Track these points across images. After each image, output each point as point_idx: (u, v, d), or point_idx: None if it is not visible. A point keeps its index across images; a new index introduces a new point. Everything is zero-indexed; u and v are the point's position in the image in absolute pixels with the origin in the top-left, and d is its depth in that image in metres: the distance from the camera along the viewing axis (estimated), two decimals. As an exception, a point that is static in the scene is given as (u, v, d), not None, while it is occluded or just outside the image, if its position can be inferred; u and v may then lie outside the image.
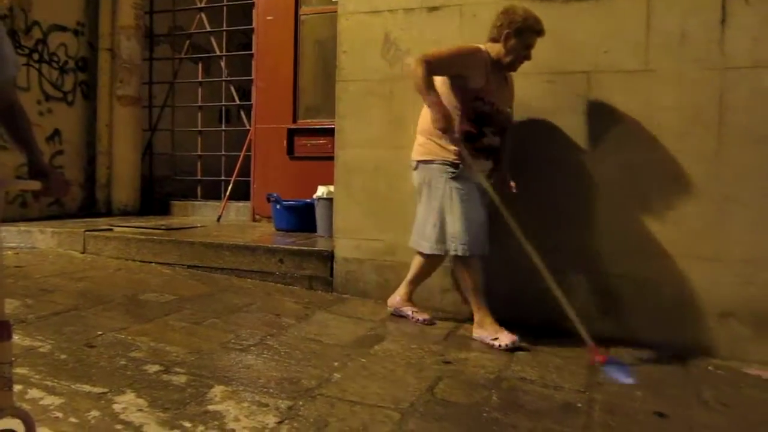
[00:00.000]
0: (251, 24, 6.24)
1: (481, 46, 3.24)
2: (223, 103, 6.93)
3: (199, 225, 5.61)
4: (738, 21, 3.18)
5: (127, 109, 6.63)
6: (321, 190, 4.86)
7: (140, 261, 4.56)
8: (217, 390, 2.39)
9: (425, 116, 3.30)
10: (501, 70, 3.28)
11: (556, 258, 3.29)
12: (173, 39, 7.18)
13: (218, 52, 6.80)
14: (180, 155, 7.05)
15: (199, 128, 6.86)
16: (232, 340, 3.01)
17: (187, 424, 2.09)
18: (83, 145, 6.52)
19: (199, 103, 6.87)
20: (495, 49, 3.23)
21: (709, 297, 3.22)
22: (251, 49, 6.26)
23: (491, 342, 3.13)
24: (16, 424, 1.65)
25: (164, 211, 6.69)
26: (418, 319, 3.49)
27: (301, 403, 2.32)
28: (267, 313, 3.54)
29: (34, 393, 2.27)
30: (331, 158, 4.14)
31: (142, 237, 4.71)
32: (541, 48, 3.25)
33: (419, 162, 3.34)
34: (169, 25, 7.20)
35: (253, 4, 6.17)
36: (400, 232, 3.84)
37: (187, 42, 6.97)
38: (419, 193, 3.38)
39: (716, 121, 3.22)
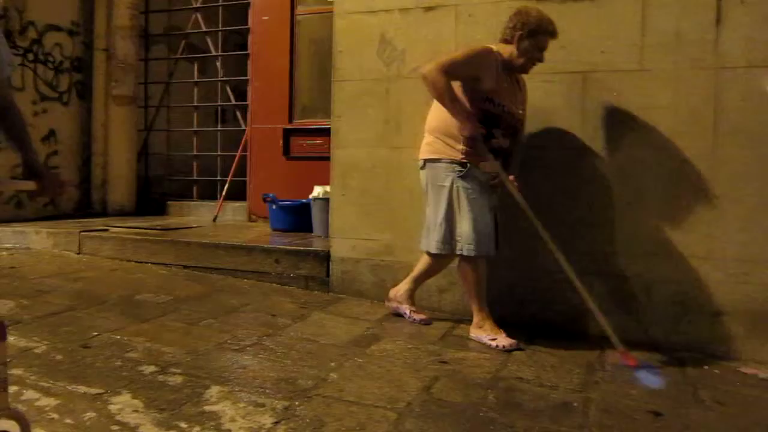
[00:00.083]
0: (247, 24, 6.23)
1: (493, 47, 3.19)
2: (219, 103, 6.92)
3: (195, 225, 5.61)
4: (732, 21, 3.19)
5: (122, 109, 6.61)
6: (317, 190, 4.86)
7: (136, 261, 4.55)
8: (214, 390, 2.39)
9: (434, 115, 3.27)
10: (512, 71, 3.24)
11: (549, 255, 3.30)
12: (169, 39, 7.16)
13: (214, 52, 6.78)
14: (176, 155, 7.04)
15: (195, 128, 6.85)
16: (229, 341, 3.01)
17: (184, 425, 2.09)
18: (78, 146, 6.50)
19: (195, 103, 6.85)
20: (507, 50, 3.19)
21: (704, 296, 3.23)
22: (247, 49, 6.25)
23: (489, 342, 3.14)
24: (11, 425, 1.65)
25: (160, 211, 6.67)
26: (415, 319, 3.49)
27: (297, 403, 2.32)
28: (263, 313, 3.53)
29: (29, 394, 2.26)
30: (328, 158, 4.14)
31: (138, 237, 4.71)
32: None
33: (426, 161, 3.30)
34: (165, 25, 7.18)
35: (248, 4, 6.16)
36: (396, 232, 3.85)
37: (183, 42, 6.95)
38: (426, 192, 3.34)
39: (711, 121, 3.23)
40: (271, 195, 5.27)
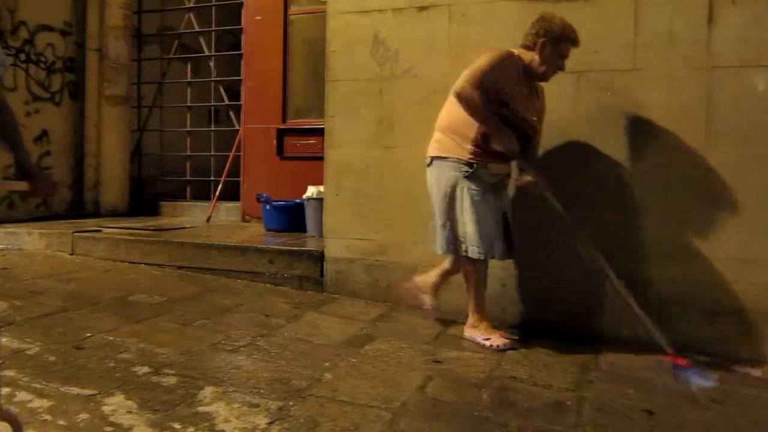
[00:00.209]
0: (240, 24, 6.22)
1: (514, 51, 3.13)
2: (213, 104, 6.90)
3: (188, 225, 5.59)
4: (725, 21, 3.21)
5: (115, 109, 6.59)
6: (311, 190, 4.86)
7: (129, 262, 4.54)
8: (208, 391, 2.38)
9: (445, 113, 3.24)
10: (532, 78, 3.18)
11: (548, 255, 3.31)
12: (162, 39, 7.14)
13: (207, 52, 6.76)
14: (169, 155, 7.02)
15: (188, 128, 6.83)
16: (222, 341, 3.00)
17: (177, 426, 2.09)
18: (71, 146, 6.48)
19: (188, 104, 6.83)
20: (528, 56, 3.13)
21: (699, 295, 3.23)
22: (240, 49, 6.23)
23: (482, 342, 3.14)
24: (3, 427, 1.64)
25: (153, 211, 6.65)
26: (425, 305, 3.46)
27: (291, 403, 2.31)
28: (257, 313, 3.53)
29: (22, 395, 2.25)
30: (321, 158, 4.14)
31: (132, 238, 4.69)
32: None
33: (434, 158, 3.25)
34: (158, 25, 7.15)
35: (241, 3, 6.14)
36: (390, 231, 3.85)
37: (176, 42, 6.93)
38: (431, 191, 3.29)
39: (704, 120, 3.24)
40: (264, 195, 5.26)
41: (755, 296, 3.16)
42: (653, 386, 2.73)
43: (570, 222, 3.06)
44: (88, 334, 2.97)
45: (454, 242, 3.17)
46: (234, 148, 6.06)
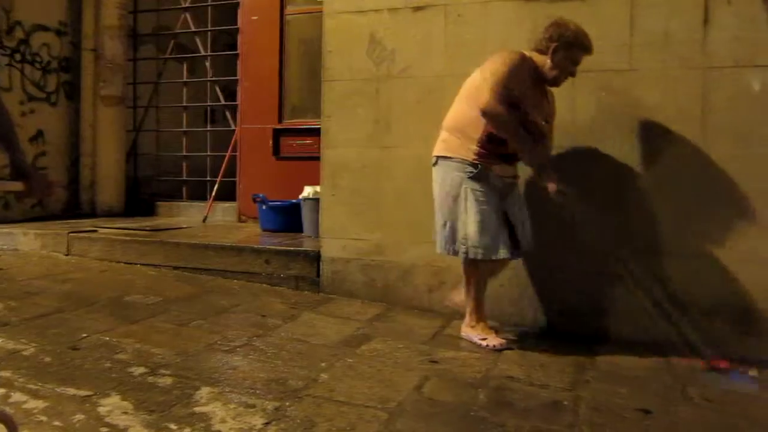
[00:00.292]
0: (236, 24, 6.21)
1: (526, 53, 3.11)
2: (209, 104, 6.89)
3: (184, 226, 5.58)
4: (720, 21, 3.22)
5: (111, 109, 6.57)
6: (307, 191, 4.85)
7: (125, 262, 4.52)
8: (204, 392, 2.38)
9: (453, 113, 3.22)
10: (542, 82, 3.16)
11: (547, 255, 3.31)
12: (158, 39, 7.12)
13: (203, 52, 6.75)
14: (165, 156, 7.00)
15: (185, 128, 6.82)
16: (219, 342, 3.00)
17: (173, 426, 2.08)
18: (67, 146, 6.46)
19: (184, 104, 6.82)
20: (540, 60, 3.10)
21: (692, 294, 3.24)
22: (236, 49, 6.23)
23: (479, 341, 3.14)
24: (-1, 428, 1.64)
25: (149, 211, 6.63)
26: (454, 300, 3.42)
27: (288, 403, 2.31)
28: (253, 313, 3.52)
29: (17, 396, 2.25)
30: (318, 158, 4.14)
31: (127, 238, 4.68)
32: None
33: (439, 158, 3.22)
34: (154, 25, 7.14)
35: (238, 3, 6.14)
36: (386, 231, 3.85)
37: (172, 42, 6.92)
38: (435, 190, 3.27)
39: (699, 120, 3.25)
40: (261, 195, 5.26)
41: (748, 295, 3.16)
42: (649, 386, 2.74)
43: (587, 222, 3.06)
44: (84, 335, 2.97)
45: (453, 242, 3.15)
46: (230, 148, 6.05)
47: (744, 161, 3.18)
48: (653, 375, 2.89)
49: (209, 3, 6.62)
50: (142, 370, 2.57)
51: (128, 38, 6.79)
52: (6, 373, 2.42)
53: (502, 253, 3.11)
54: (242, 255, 4.26)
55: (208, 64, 6.76)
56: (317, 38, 4.22)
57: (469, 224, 3.08)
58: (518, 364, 2.92)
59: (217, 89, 6.72)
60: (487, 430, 2.21)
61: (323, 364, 2.75)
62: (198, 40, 6.77)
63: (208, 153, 6.66)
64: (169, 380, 2.48)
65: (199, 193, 6.62)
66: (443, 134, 3.25)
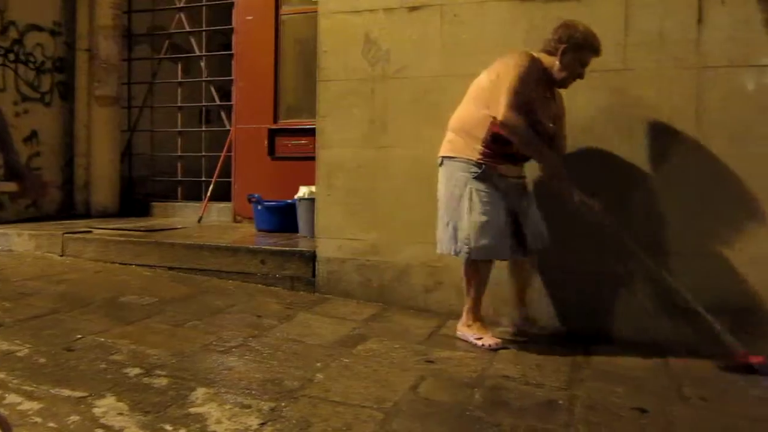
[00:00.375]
0: (231, 24, 6.20)
1: (534, 54, 3.10)
2: (204, 104, 6.88)
3: (179, 226, 5.57)
4: (714, 21, 3.23)
5: (105, 109, 6.55)
6: (302, 191, 4.85)
7: (120, 263, 4.51)
8: (199, 392, 2.38)
9: (458, 114, 3.21)
10: (550, 83, 3.16)
11: (545, 254, 3.31)
12: (152, 39, 7.11)
13: (198, 52, 6.74)
14: (160, 156, 6.99)
15: (179, 129, 6.80)
16: (214, 342, 2.99)
17: (169, 427, 2.08)
18: (61, 147, 6.43)
19: (179, 104, 6.81)
20: (548, 62, 3.09)
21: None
22: (231, 49, 6.21)
23: (474, 341, 3.14)
24: (-7, 429, 1.63)
25: (144, 212, 6.62)
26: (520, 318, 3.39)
27: (283, 404, 2.31)
28: (249, 314, 3.52)
29: (12, 398, 2.24)
30: (313, 158, 4.13)
31: (122, 239, 4.67)
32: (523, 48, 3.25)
33: (444, 158, 3.21)
34: (148, 25, 7.12)
35: (232, 3, 6.12)
36: (382, 231, 3.85)
37: (167, 42, 6.90)
38: (440, 190, 3.25)
39: (693, 120, 3.26)
40: (256, 195, 5.25)
41: (742, 294, 3.17)
42: (646, 385, 2.74)
43: (610, 225, 3.05)
44: (79, 336, 2.96)
45: (455, 242, 3.13)
46: (225, 148, 6.04)
47: (739, 160, 3.19)
48: (650, 375, 2.90)
49: (204, 3, 6.60)
50: (137, 371, 2.56)
51: (123, 38, 6.77)
52: (0, 375, 2.41)
53: (504, 254, 3.11)
54: (237, 255, 4.25)
55: (202, 64, 6.75)
56: (312, 38, 4.22)
57: (473, 225, 3.06)
58: (514, 363, 2.92)
59: (212, 89, 6.71)
60: (482, 429, 2.22)
61: (319, 365, 2.75)
62: (193, 40, 6.75)
63: (203, 153, 6.65)
64: (164, 381, 2.47)
65: (194, 194, 6.61)
66: (449, 135, 3.24)
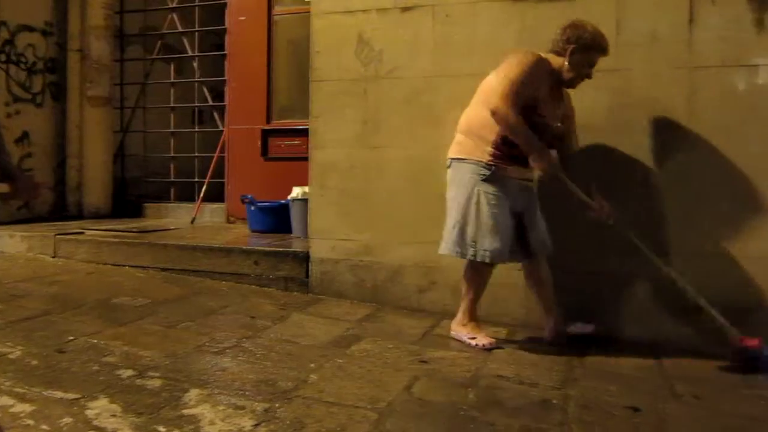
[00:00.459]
0: (224, 24, 6.19)
1: (542, 54, 3.09)
2: (196, 104, 6.86)
3: (172, 227, 5.55)
4: (705, 21, 3.24)
5: (97, 110, 6.53)
6: (296, 191, 4.84)
7: (113, 264, 4.49)
8: (193, 394, 2.37)
9: (467, 116, 3.19)
10: (558, 84, 3.15)
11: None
12: (145, 39, 7.09)
13: (191, 53, 6.72)
14: (153, 157, 6.96)
15: (172, 129, 6.79)
16: (207, 343, 2.98)
17: (162, 429, 2.07)
18: (53, 147, 6.40)
19: (172, 104, 6.79)
20: (557, 62, 3.09)
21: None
22: (224, 50, 6.20)
23: (468, 341, 3.14)
24: (-15, 432, 1.62)
25: (137, 213, 6.59)
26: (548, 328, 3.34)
27: (277, 405, 2.31)
28: (242, 315, 3.51)
29: (4, 400, 2.22)
30: (306, 159, 4.13)
31: (115, 240, 4.65)
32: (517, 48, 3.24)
33: (453, 159, 3.20)
34: (141, 25, 7.10)
35: (225, 4, 6.11)
36: (375, 232, 3.85)
37: (159, 42, 6.88)
38: (448, 192, 3.23)
39: (686, 120, 3.27)
40: (249, 196, 5.24)
41: (735, 292, 3.18)
42: (639, 384, 2.75)
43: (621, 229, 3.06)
44: (71, 338, 2.94)
45: (461, 244, 3.11)
46: (218, 149, 6.03)
47: (734, 159, 3.20)
48: (644, 374, 2.90)
49: (196, 3, 6.59)
50: (130, 372, 2.55)
51: (115, 39, 6.75)
52: (-8, 377, 2.40)
53: (509, 257, 3.11)
54: (231, 256, 4.25)
55: (195, 64, 6.73)
56: (305, 39, 4.22)
57: (480, 227, 3.05)
58: (508, 363, 2.92)
59: (205, 90, 6.70)
60: (476, 429, 2.22)
61: (313, 365, 2.75)
62: (185, 41, 6.74)
63: (196, 154, 6.63)
64: (157, 382, 2.46)
65: (187, 195, 6.59)
66: (458, 137, 3.22)
